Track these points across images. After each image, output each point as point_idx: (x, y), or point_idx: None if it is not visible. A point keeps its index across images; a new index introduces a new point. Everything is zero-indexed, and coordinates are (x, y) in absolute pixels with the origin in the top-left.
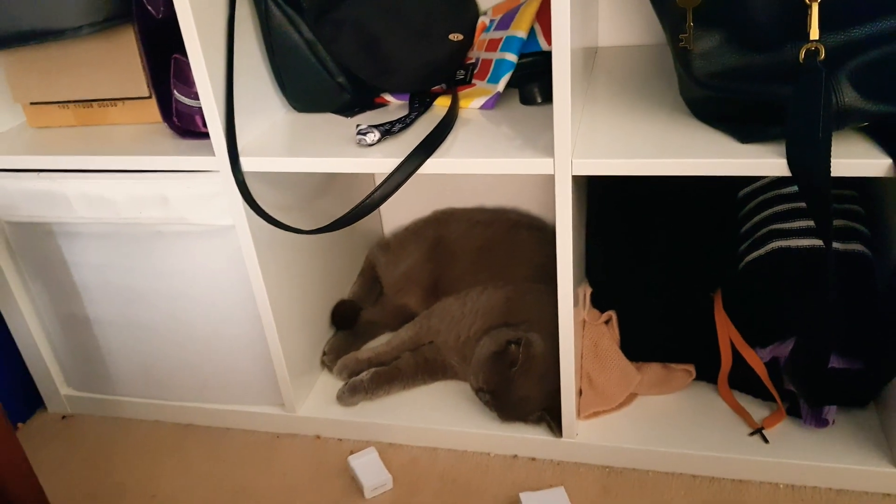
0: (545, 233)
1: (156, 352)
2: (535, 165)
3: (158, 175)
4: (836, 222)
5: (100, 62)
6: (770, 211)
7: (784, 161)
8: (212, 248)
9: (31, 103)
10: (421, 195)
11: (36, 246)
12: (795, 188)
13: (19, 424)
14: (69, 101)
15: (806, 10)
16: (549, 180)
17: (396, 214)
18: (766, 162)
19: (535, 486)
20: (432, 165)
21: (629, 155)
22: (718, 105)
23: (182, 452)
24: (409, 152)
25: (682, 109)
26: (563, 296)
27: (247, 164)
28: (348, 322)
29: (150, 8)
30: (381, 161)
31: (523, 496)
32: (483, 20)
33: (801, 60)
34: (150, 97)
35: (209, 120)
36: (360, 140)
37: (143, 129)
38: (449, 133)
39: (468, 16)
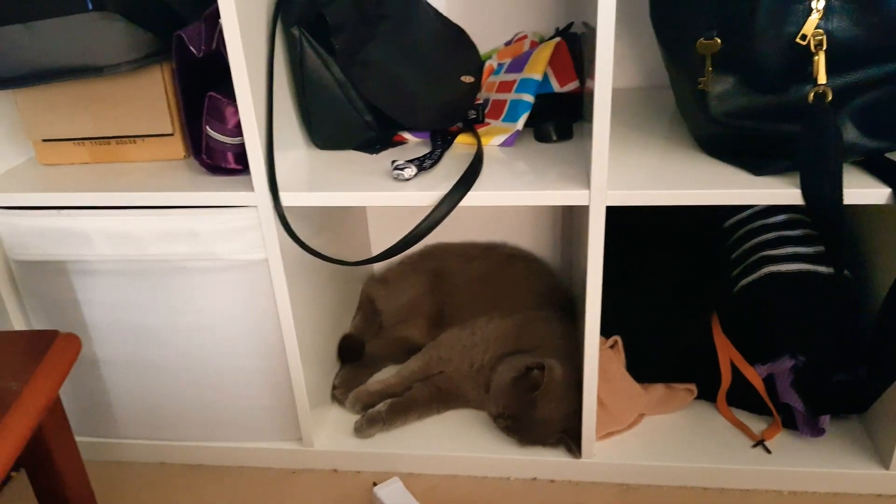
0: (540, 264)
1: (165, 391)
2: (571, 197)
3: (188, 211)
4: (820, 249)
5: (123, 99)
6: (759, 239)
7: (797, 191)
8: (235, 282)
9: (44, 140)
10: (409, 228)
11: (44, 285)
12: (781, 218)
13: (13, 474)
14: (85, 138)
15: (809, 57)
16: (539, 214)
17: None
18: (780, 192)
19: None
20: (472, 198)
21: (657, 187)
22: (730, 141)
23: (194, 494)
24: (443, 186)
25: (688, 145)
26: (591, 323)
27: (287, 199)
28: (355, 355)
29: (190, 47)
30: (419, 195)
31: None
32: (490, 64)
33: (810, 101)
34: (172, 134)
35: (251, 156)
36: (397, 175)
37: (162, 165)
38: (481, 168)
39: (475, 60)
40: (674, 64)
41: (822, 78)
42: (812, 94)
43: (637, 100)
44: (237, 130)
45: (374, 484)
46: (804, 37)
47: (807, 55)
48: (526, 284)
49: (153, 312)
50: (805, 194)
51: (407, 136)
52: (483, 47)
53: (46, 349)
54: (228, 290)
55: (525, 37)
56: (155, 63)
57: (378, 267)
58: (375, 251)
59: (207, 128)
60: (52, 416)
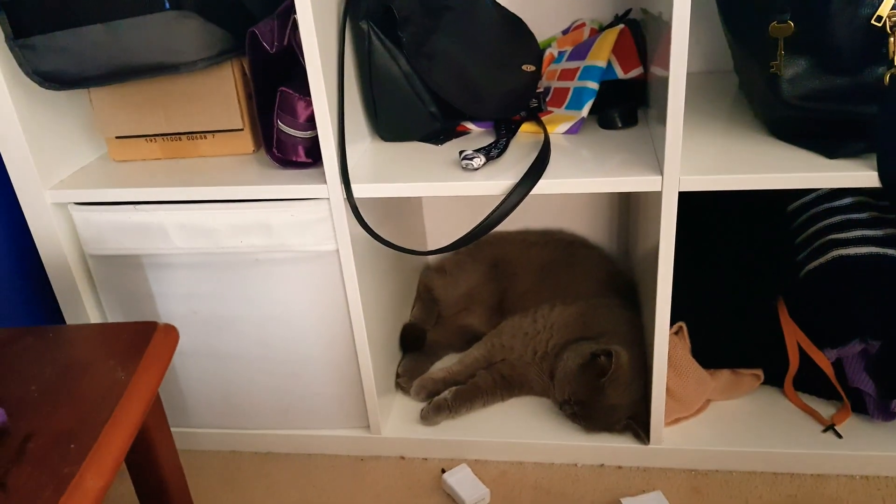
0: (599, 250)
1: (237, 380)
2: (644, 183)
3: (261, 204)
4: (889, 231)
5: (195, 96)
6: (825, 223)
7: (874, 173)
8: (307, 273)
9: (117, 137)
10: (464, 219)
11: (121, 278)
12: (847, 201)
13: None
14: (158, 135)
15: (885, 38)
16: (595, 200)
17: (441, 239)
18: (856, 175)
19: (626, 493)
20: (543, 186)
21: (729, 171)
22: (802, 124)
23: (265, 481)
24: (510, 175)
25: (754, 129)
26: (660, 310)
27: (358, 190)
28: (417, 344)
29: (264, 43)
30: (489, 184)
31: (625, 501)
32: (550, 52)
33: (886, 83)
34: (242, 129)
35: (324, 149)
36: (466, 165)
37: (232, 160)
38: (550, 156)
39: (534, 48)
40: (742, 48)
41: None
42: (888, 76)
43: (697, 84)
44: (308, 124)
45: (443, 471)
46: (879, 18)
47: (882, 36)
48: (586, 271)
49: (226, 304)
50: (882, 177)
51: (470, 126)
52: (540, 36)
53: (148, 341)
54: (299, 280)
55: (583, 24)
56: (227, 60)
57: (434, 256)
58: (431, 241)
59: (279, 122)
60: (153, 409)
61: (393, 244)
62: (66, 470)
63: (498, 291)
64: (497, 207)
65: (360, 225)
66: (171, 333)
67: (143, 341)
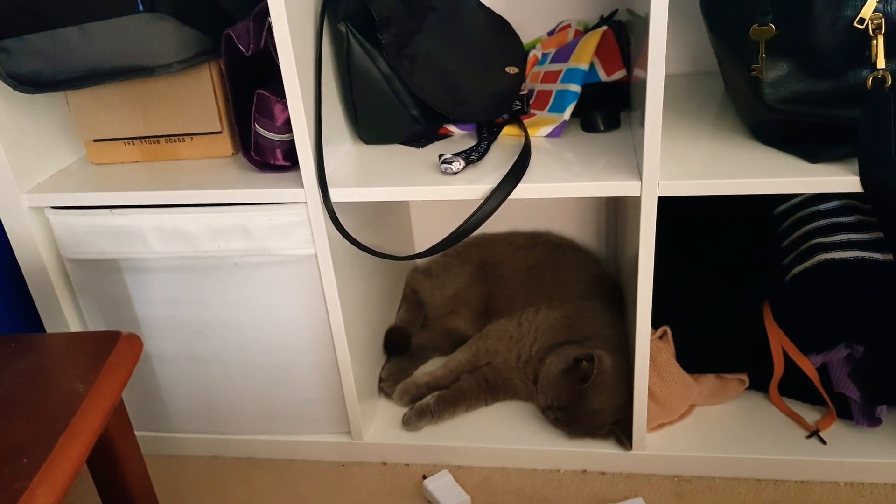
0: (587, 253)
1: (218, 385)
2: (623, 188)
3: (240, 207)
4: (875, 235)
5: (173, 98)
6: (810, 226)
7: (856, 178)
8: (286, 277)
9: (95, 140)
10: (452, 221)
11: (99, 283)
12: (833, 204)
13: None
14: (136, 138)
15: (867, 41)
16: (583, 202)
17: (429, 240)
18: (838, 180)
19: (609, 499)
20: (522, 191)
21: (710, 176)
22: (784, 128)
23: (246, 487)
24: (491, 178)
25: (739, 132)
26: (642, 314)
27: (336, 194)
28: (402, 348)
29: (239, 46)
30: (468, 188)
31: None
32: (534, 54)
33: (868, 87)
34: (220, 132)
35: (301, 152)
36: (445, 169)
37: (210, 163)
38: (530, 160)
39: (519, 50)
40: (725, 50)
41: (881, 62)
42: (871, 80)
43: (683, 86)
44: (286, 127)
45: (424, 477)
46: (862, 20)
47: (865, 39)
48: (573, 274)
49: (205, 308)
50: (864, 182)
51: (452, 129)
52: (526, 37)
53: (110, 350)
54: (279, 285)
55: (568, 26)
56: (204, 62)
57: (422, 259)
58: (419, 244)
59: (256, 125)
60: (116, 416)
61: (369, 248)
62: (16, 485)
63: (485, 294)
64: (474, 213)
65: (337, 229)
66: (135, 343)
67: (105, 351)
